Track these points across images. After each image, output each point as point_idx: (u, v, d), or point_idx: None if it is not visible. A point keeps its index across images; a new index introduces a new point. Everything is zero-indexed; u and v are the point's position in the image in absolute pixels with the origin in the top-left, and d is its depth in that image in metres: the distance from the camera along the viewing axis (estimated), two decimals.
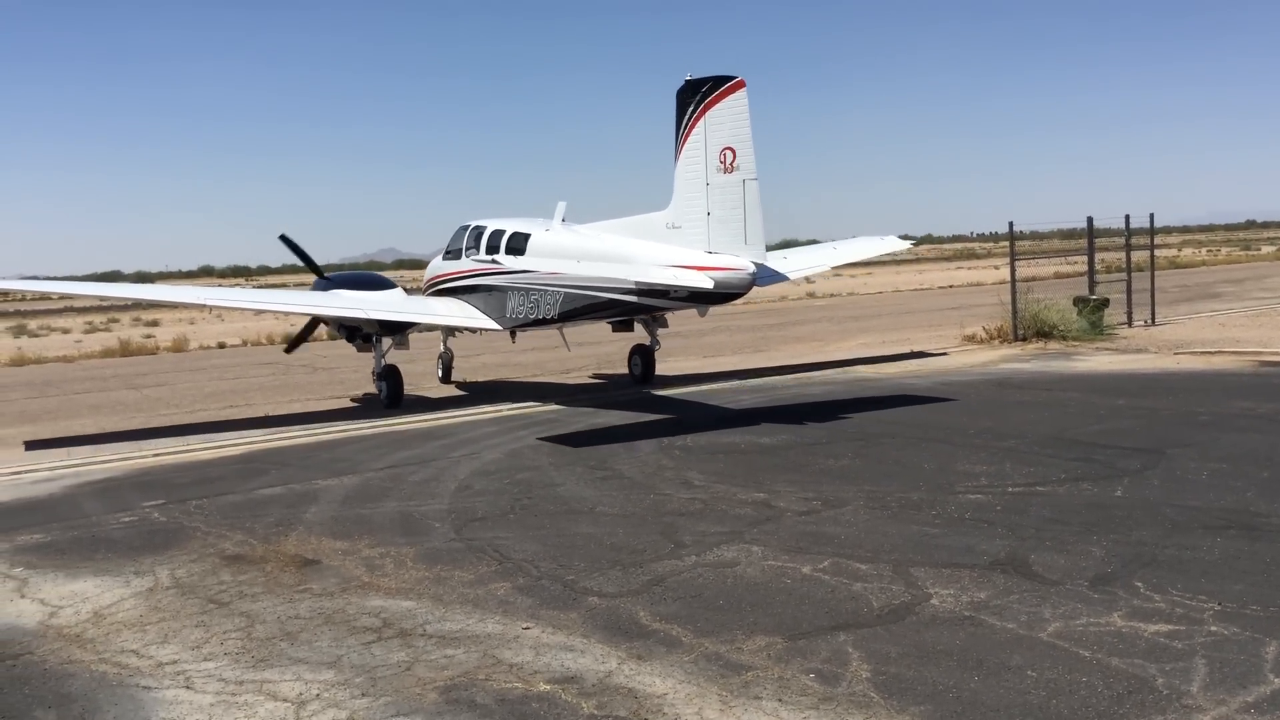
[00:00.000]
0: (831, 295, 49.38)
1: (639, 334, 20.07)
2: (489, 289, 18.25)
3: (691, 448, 12.94)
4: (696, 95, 15.06)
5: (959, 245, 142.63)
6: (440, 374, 21.37)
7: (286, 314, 25.93)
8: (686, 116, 15.25)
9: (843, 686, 5.84)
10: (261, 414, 17.76)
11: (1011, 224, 25.72)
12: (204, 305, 18.61)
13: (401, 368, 18.55)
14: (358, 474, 12.33)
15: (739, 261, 14.65)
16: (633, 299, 15.92)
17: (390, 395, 18.09)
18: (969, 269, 69.09)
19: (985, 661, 6.06)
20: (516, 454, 13.08)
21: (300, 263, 20.75)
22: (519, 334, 19.44)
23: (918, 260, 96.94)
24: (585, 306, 16.76)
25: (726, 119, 14.82)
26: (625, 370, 20.69)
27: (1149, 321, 25.57)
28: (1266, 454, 10.92)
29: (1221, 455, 10.96)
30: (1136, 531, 8.43)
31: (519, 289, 17.63)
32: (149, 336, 37.17)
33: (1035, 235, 30.63)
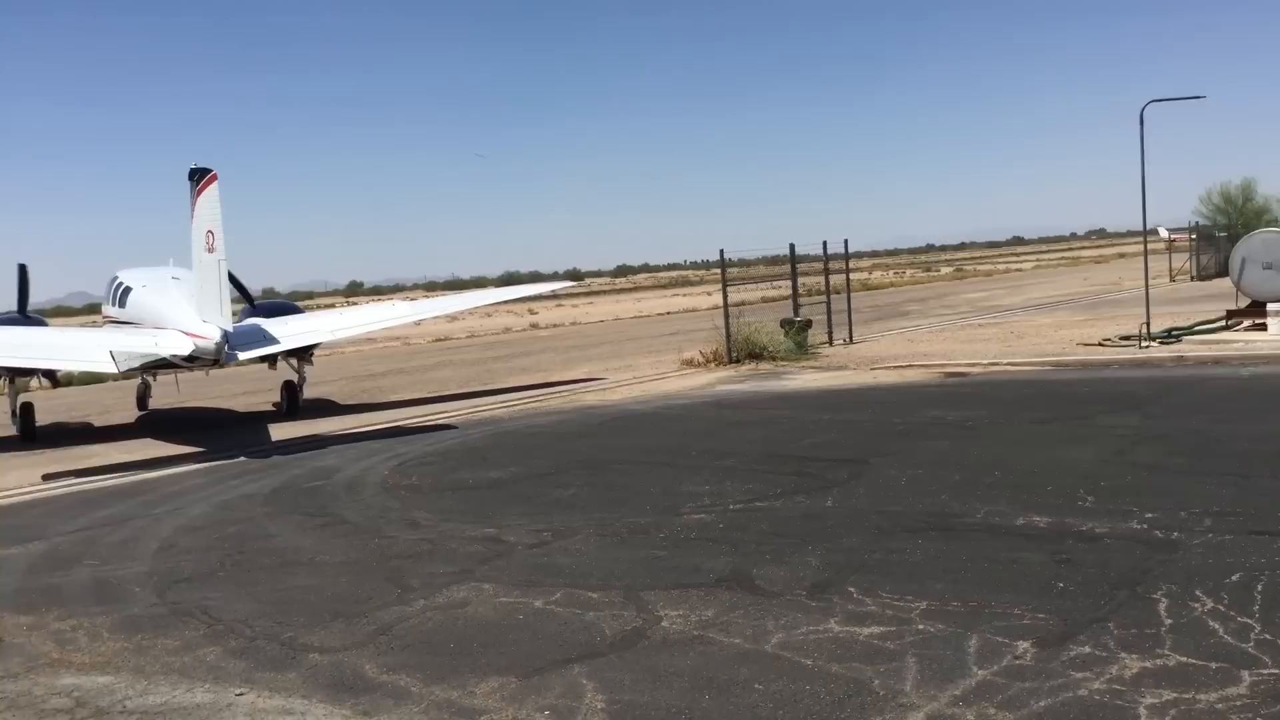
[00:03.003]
0: (555, 325, 49.85)
1: (286, 370, 21.66)
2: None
3: (418, 486, 12.60)
4: (194, 180, 17.62)
5: (674, 273, 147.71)
6: (137, 404, 23.26)
7: None
8: (191, 197, 17.75)
9: None
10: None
11: (722, 252, 26.80)
12: None
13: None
14: (45, 539, 11.19)
15: (213, 331, 17.00)
16: (166, 358, 17.72)
17: (23, 430, 19.48)
18: (684, 296, 71.62)
19: (715, 679, 6.16)
20: (227, 505, 12.29)
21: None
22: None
23: (636, 289, 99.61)
24: (151, 363, 18.42)
25: (208, 205, 17.37)
26: (330, 396, 23.12)
27: (847, 340, 27.29)
28: (957, 458, 11.79)
29: (918, 462, 11.75)
30: (847, 539, 8.86)
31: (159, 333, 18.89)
32: None
33: (744, 262, 32.09)
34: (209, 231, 17.30)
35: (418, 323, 57.79)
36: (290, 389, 21.51)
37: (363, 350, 41.43)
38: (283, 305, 23.13)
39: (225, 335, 17.05)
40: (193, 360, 17.59)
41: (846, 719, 5.51)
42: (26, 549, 10.82)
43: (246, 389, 26.33)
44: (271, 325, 20.51)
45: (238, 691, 6.57)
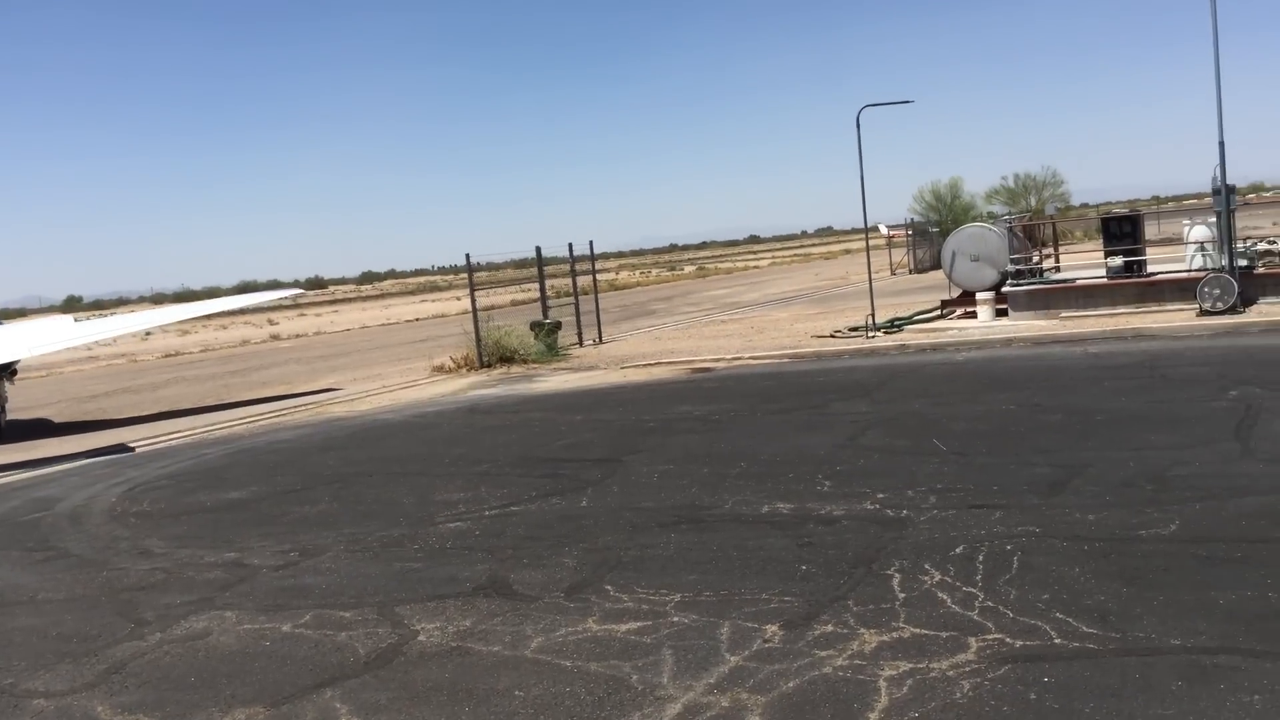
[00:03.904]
0: (298, 335, 48.04)
1: None
2: None
3: (150, 513, 11.82)
4: None
5: (422, 279, 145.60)
6: None
7: None
8: None
9: None
10: None
11: (469, 256, 26.64)
12: None
13: None
14: None
15: None
16: None
17: None
18: (433, 301, 70.66)
19: (475, 690, 6.08)
20: None
21: None
22: None
23: (383, 296, 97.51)
24: None
25: None
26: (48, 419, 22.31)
27: (597, 340, 27.67)
28: (705, 452, 12.16)
29: (669, 457, 12.04)
30: (603, 537, 8.96)
31: None
32: None
33: (491, 266, 32.03)
34: None
35: (146, 334, 54.89)
36: None
37: (83, 369, 38.60)
38: None
39: None
40: None
41: (606, 717, 5.57)
42: None
43: None
44: None
45: None
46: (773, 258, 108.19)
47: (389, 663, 6.64)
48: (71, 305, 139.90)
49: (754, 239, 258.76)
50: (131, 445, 17.37)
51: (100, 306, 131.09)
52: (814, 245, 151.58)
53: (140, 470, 14.80)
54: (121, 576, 9.27)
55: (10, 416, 21.84)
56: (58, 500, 13.09)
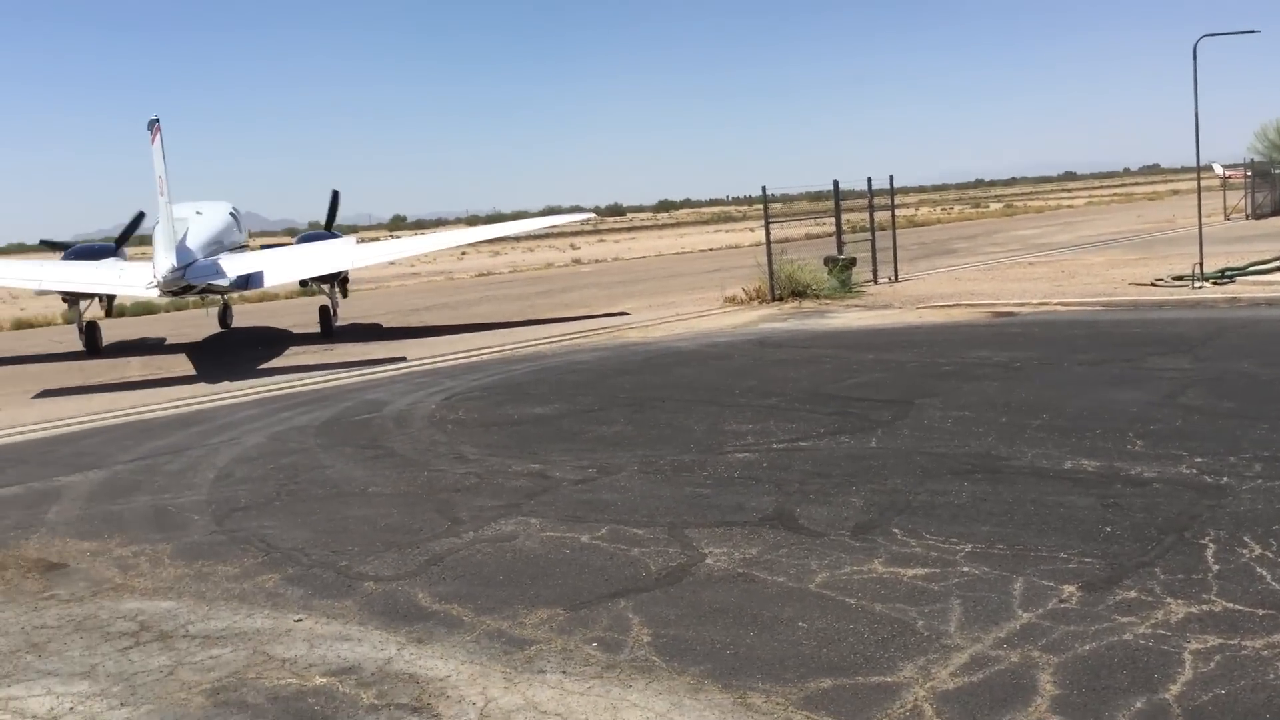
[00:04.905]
0: (598, 261, 49.85)
1: (321, 298, 24.79)
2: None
3: (465, 421, 12.77)
4: (151, 129, 19.75)
5: (717, 209, 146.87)
6: (219, 323, 27.13)
7: None
8: (151, 144, 19.80)
9: (625, 653, 5.90)
10: None
11: (765, 188, 26.66)
12: None
13: None
14: (104, 468, 11.50)
15: (163, 267, 19.23)
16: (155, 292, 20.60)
17: (88, 344, 22.87)
18: (727, 232, 71.22)
19: (759, 617, 6.26)
20: (280, 437, 12.53)
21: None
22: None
23: (678, 225, 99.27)
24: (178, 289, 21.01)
25: (158, 153, 19.55)
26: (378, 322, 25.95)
27: (893, 278, 27.07)
28: (1004, 400, 11.74)
29: (964, 403, 11.72)
30: (891, 480, 8.89)
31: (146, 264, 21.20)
32: None
33: (786, 198, 31.88)
34: (160, 177, 19.46)
35: (462, 254, 58.75)
36: (324, 313, 23.82)
37: (406, 284, 41.73)
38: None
39: (173, 270, 19.18)
40: (162, 291, 20.20)
41: (890, 659, 5.59)
42: (86, 477, 11.13)
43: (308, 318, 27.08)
44: (228, 260, 21.87)
45: (296, 618, 6.77)
46: (1090, 197, 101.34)
47: (678, 581, 6.93)
48: (397, 224, 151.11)
49: (1069, 175, 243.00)
50: (447, 357, 18.76)
51: (421, 226, 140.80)
52: (1137, 184, 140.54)
53: (456, 381, 15.97)
54: (440, 477, 10.12)
55: (350, 320, 25.45)
56: (385, 404, 14.36)
